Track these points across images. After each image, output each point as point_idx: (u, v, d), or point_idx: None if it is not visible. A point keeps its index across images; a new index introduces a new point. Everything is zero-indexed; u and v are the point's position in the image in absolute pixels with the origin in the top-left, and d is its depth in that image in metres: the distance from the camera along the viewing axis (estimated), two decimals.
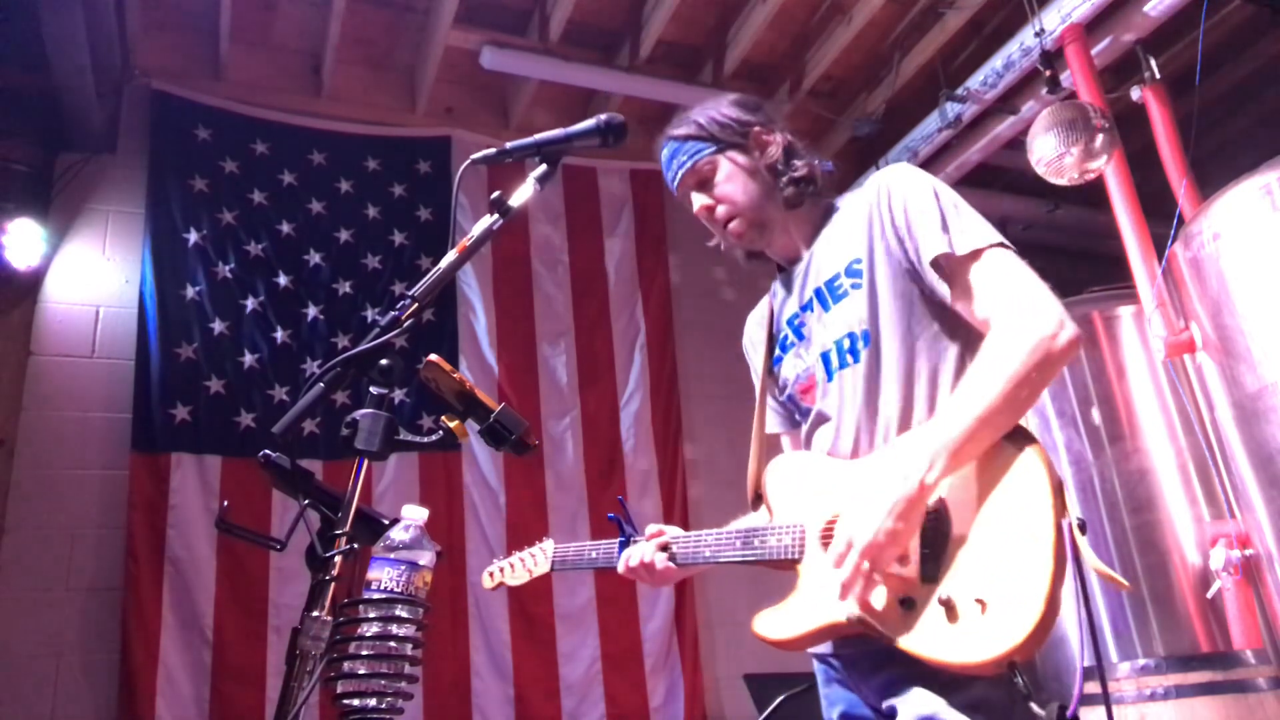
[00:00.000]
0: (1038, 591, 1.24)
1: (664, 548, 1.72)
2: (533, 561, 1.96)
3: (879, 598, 1.37)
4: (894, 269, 1.53)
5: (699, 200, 1.69)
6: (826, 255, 1.64)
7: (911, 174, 1.57)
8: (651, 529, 1.77)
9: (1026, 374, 1.36)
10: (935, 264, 1.47)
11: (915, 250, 1.50)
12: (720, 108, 1.71)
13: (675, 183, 1.72)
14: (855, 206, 1.62)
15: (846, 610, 1.38)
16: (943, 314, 1.52)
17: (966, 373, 1.44)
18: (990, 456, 1.37)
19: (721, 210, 1.67)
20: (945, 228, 1.48)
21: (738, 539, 1.62)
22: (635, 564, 1.73)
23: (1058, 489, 1.31)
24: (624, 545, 1.77)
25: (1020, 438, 1.37)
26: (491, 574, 2.03)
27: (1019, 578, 1.26)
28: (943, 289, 1.48)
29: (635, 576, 1.75)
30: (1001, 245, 1.48)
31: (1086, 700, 3.08)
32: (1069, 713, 1.23)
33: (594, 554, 1.85)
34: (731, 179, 1.66)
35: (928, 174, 1.58)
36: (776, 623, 1.53)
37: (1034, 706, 1.24)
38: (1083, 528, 1.29)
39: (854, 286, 1.56)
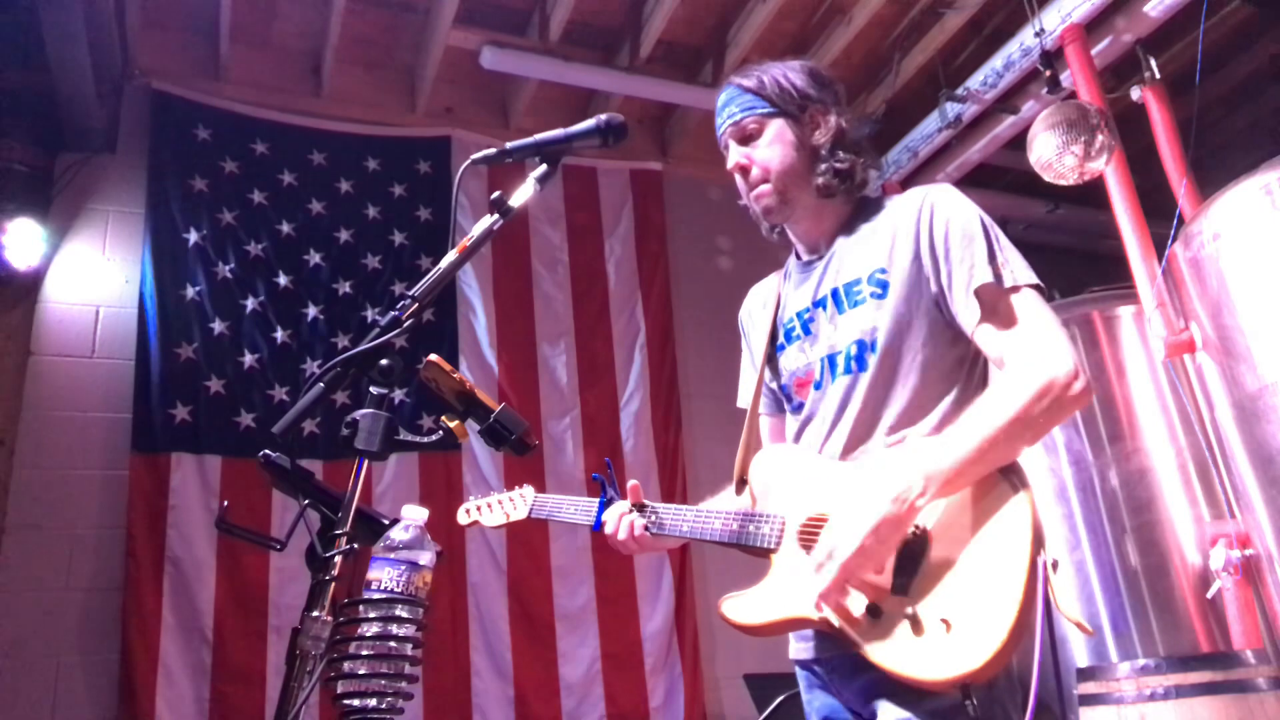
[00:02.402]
0: (1003, 621, 1.26)
1: (640, 507, 1.72)
2: (511, 505, 1.97)
3: (849, 604, 1.40)
4: (921, 288, 1.52)
5: (736, 155, 1.67)
6: (851, 257, 1.62)
7: (959, 199, 1.56)
8: (633, 484, 1.76)
9: (1033, 415, 1.37)
10: (979, 293, 1.46)
11: (949, 276, 1.49)
12: (791, 73, 1.68)
13: (721, 130, 1.70)
14: (892, 215, 1.60)
15: (819, 612, 1.41)
16: (958, 340, 1.52)
17: (975, 403, 1.44)
18: (979, 484, 1.38)
19: (755, 172, 1.65)
20: (993, 259, 1.48)
21: (717, 519, 1.63)
22: (613, 524, 1.73)
23: (1038, 528, 1.32)
24: (604, 506, 1.78)
25: (1011, 470, 1.38)
26: (468, 510, 2.03)
27: (987, 605, 1.28)
28: (967, 318, 1.47)
29: (610, 537, 1.75)
30: (1037, 287, 1.48)
31: (1087, 700, 3.08)
32: None
33: (573, 509, 1.86)
34: (774, 144, 1.64)
35: (972, 202, 1.57)
36: (745, 608, 1.56)
37: None
38: (1055, 567, 1.30)
39: (874, 296, 1.55)
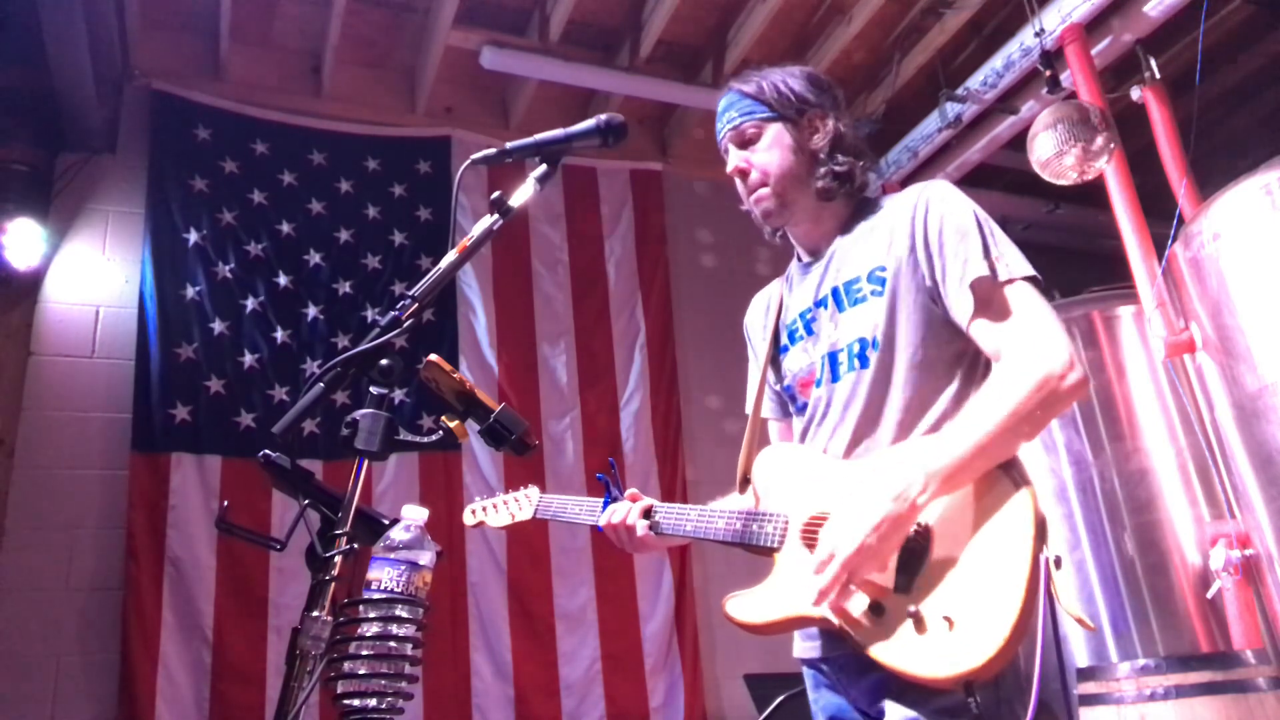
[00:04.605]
0: (1005, 618, 1.26)
1: (647, 513, 1.73)
2: (516, 506, 1.98)
3: (851, 602, 1.40)
4: (918, 284, 1.53)
5: (735, 159, 1.69)
6: (850, 256, 1.63)
7: (954, 194, 1.56)
8: (632, 492, 1.78)
9: (1030, 409, 1.37)
10: (973, 287, 1.47)
11: (943, 270, 1.50)
12: (790, 78, 1.69)
13: (721, 135, 1.71)
14: (889, 213, 1.61)
15: (821, 611, 1.41)
16: (956, 335, 1.52)
17: (971, 399, 1.45)
18: (981, 481, 1.38)
19: (754, 176, 1.66)
20: (987, 252, 1.48)
21: (721, 519, 1.63)
22: (616, 521, 1.74)
23: (1040, 523, 1.33)
24: (608, 506, 1.79)
25: (1012, 467, 1.39)
26: (474, 511, 2.04)
27: (989, 602, 1.29)
28: (961, 312, 1.48)
29: (614, 536, 1.76)
30: (1033, 279, 1.49)
31: (1087, 701, 3.08)
32: None
33: (578, 509, 1.87)
34: (773, 148, 1.65)
35: (967, 197, 1.57)
36: (748, 606, 1.56)
37: None
38: (1058, 564, 1.30)
39: (874, 293, 1.56)
